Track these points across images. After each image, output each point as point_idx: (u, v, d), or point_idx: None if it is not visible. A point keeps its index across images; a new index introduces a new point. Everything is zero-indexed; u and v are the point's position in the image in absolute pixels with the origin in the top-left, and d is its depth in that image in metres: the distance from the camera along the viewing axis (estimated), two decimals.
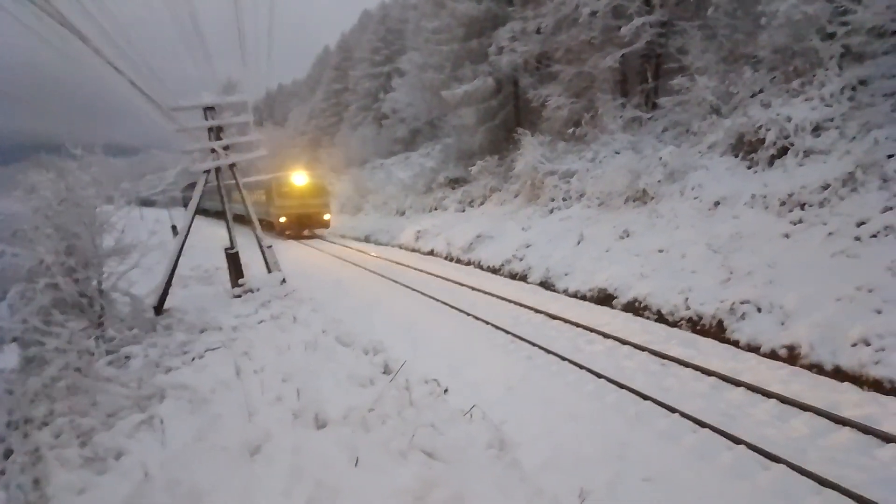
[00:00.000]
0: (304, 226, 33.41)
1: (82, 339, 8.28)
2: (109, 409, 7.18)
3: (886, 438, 6.24)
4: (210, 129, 14.84)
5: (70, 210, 10.37)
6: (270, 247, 16.22)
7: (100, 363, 8.59)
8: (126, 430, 6.58)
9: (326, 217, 33.92)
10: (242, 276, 15.41)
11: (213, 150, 14.81)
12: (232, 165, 15.45)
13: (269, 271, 15.82)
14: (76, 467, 5.71)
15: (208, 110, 14.72)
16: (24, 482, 5.43)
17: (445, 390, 7.92)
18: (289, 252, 26.25)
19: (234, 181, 15.82)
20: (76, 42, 5.37)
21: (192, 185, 21.98)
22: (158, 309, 12.99)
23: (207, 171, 15.03)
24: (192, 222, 14.71)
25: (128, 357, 9.47)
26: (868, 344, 8.07)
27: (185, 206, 23.81)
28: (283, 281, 15.32)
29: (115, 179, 12.13)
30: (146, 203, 62.69)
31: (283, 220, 32.63)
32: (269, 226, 34.15)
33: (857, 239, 9.67)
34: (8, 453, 6.12)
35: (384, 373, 8.38)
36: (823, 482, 5.50)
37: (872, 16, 10.95)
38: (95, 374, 7.79)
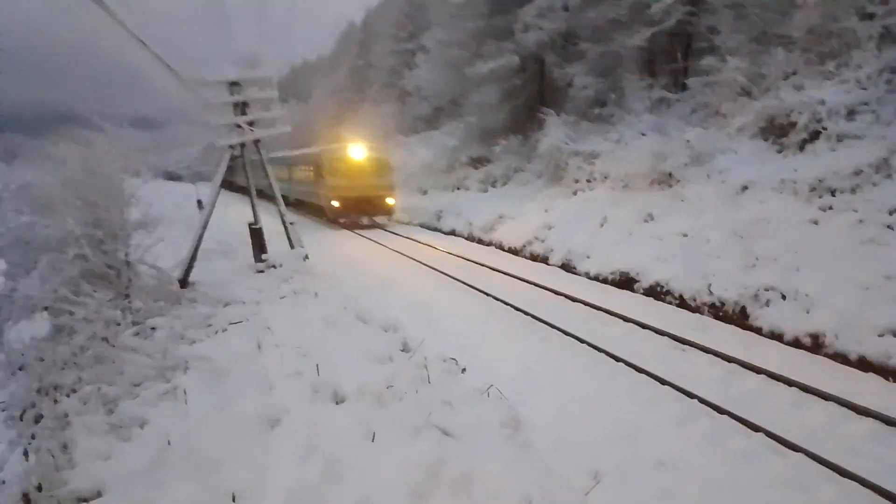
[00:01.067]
0: (363, 212, 26.18)
1: (109, 309, 8.47)
2: (134, 378, 7.37)
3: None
4: (235, 105, 14.92)
5: (98, 183, 10.55)
6: (293, 223, 16.35)
7: (126, 334, 8.80)
8: (150, 399, 6.77)
9: (390, 202, 26.47)
10: (265, 252, 15.59)
11: (238, 126, 14.89)
12: (256, 141, 15.53)
13: (292, 247, 15.98)
14: (102, 434, 5.90)
15: (233, 85, 14.78)
16: (53, 447, 5.62)
17: (463, 369, 7.98)
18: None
19: (260, 157, 15.92)
20: (101, 14, 5.42)
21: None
22: (183, 282, 13.21)
23: (233, 147, 15.14)
24: (216, 197, 14.86)
25: (153, 328, 9.67)
26: (895, 334, 7.92)
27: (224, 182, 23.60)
28: (306, 257, 15.46)
29: (141, 153, 12.30)
30: (172, 177, 63.50)
31: (335, 204, 25.59)
32: (317, 210, 28.79)
33: (889, 227, 9.44)
34: (38, 418, 6.33)
35: (402, 350, 8.46)
36: (842, 472, 5.45)
37: None
38: (122, 344, 7.99)
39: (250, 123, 15.11)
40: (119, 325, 8.45)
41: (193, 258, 13.83)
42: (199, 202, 26.55)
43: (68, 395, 6.69)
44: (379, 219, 27.21)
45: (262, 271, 14.90)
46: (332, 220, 26.91)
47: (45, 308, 8.92)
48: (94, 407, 6.45)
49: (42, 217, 9.72)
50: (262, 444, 5.18)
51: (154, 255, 11.49)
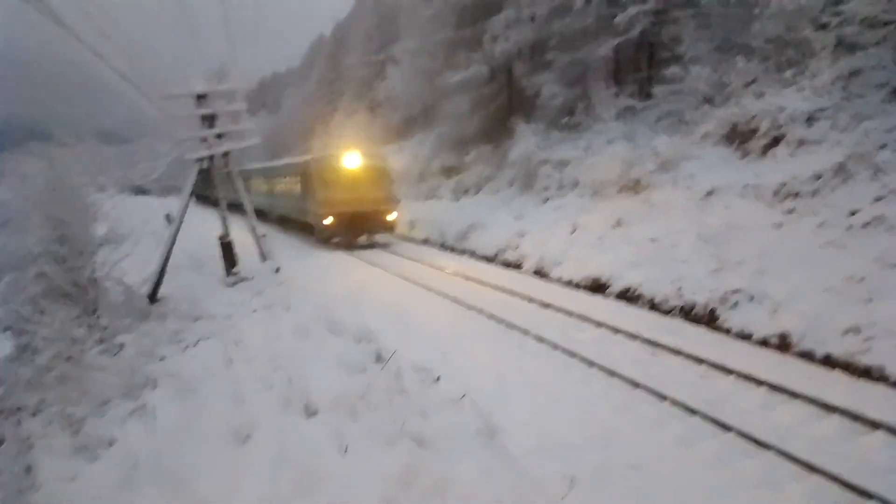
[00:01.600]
0: (360, 229, 22.09)
1: (74, 327, 8.28)
2: (101, 397, 7.20)
3: (874, 425, 6.31)
4: (203, 118, 14.75)
5: (62, 198, 10.34)
6: (265, 235, 16.19)
7: (92, 352, 8.60)
8: (117, 418, 6.62)
9: (392, 217, 22.23)
10: (236, 265, 15.39)
11: (205, 139, 14.72)
12: (225, 154, 15.37)
13: (264, 260, 15.81)
14: (67, 455, 5.74)
15: (200, 98, 14.62)
16: (16, 469, 5.46)
17: (437, 378, 7.96)
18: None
19: (228, 169, 15.74)
20: (63, 30, 5.33)
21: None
22: (152, 297, 12.97)
23: (200, 160, 14.95)
24: (185, 211, 14.65)
25: (121, 346, 9.46)
26: (858, 332, 8.15)
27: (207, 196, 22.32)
28: (278, 270, 15.31)
29: (107, 168, 12.10)
30: (140, 191, 62.39)
31: (328, 221, 21.15)
32: (306, 229, 24.37)
33: (848, 229, 9.73)
34: (0, 441, 6.15)
35: (376, 361, 8.40)
36: (811, 468, 5.57)
37: (865, 6, 10.94)
38: (87, 362, 7.81)
39: (218, 136, 14.95)
40: (84, 343, 8.26)
41: (162, 273, 13.59)
42: (168, 216, 26.08)
43: (32, 417, 6.50)
44: (379, 237, 23.51)
45: (233, 285, 14.70)
46: (324, 240, 22.56)
47: (7, 328, 8.70)
48: (59, 428, 6.28)
49: (2, 235, 9.49)
50: (234, 458, 5.10)
51: (122, 271, 11.28)
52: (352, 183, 21.37)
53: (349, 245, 22.36)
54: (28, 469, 5.53)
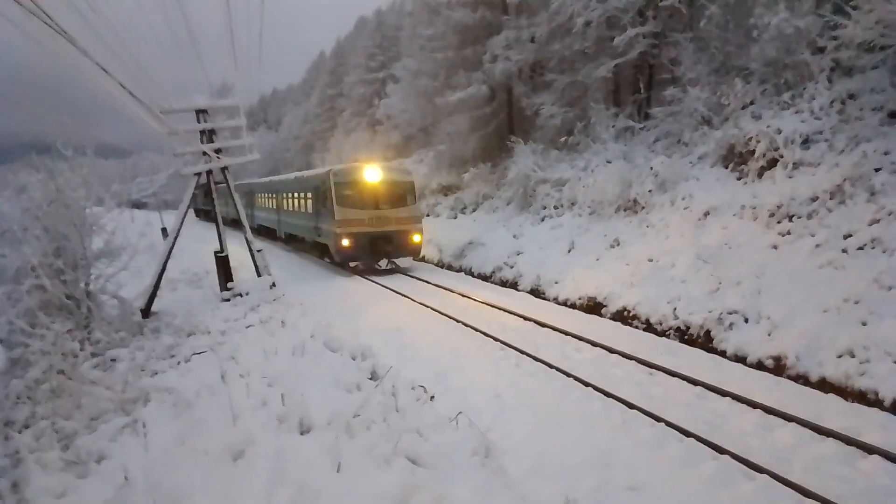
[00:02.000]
0: (382, 252, 19.80)
1: (67, 341, 8.21)
2: (93, 412, 7.13)
3: (869, 450, 6.27)
4: (202, 133, 14.81)
5: (60, 211, 10.35)
6: (261, 250, 16.17)
7: (85, 366, 8.54)
8: (109, 433, 6.54)
9: (417, 238, 20.13)
10: (232, 280, 15.35)
11: (204, 154, 14.77)
12: (224, 169, 15.41)
13: (259, 275, 15.78)
14: (56, 471, 5.66)
15: (201, 113, 14.70)
16: (3, 485, 5.38)
17: (432, 397, 7.91)
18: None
19: (227, 184, 15.77)
20: (65, 42, 5.36)
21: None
22: (146, 312, 12.92)
23: (199, 175, 14.99)
24: (181, 225, 14.65)
25: (114, 360, 9.41)
26: (853, 356, 8.13)
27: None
28: (273, 285, 15.28)
29: (105, 181, 12.12)
30: (138, 205, 62.40)
31: (345, 242, 18.93)
32: (318, 248, 22.78)
33: (844, 251, 9.74)
34: None
35: (371, 378, 8.35)
36: (806, 493, 5.52)
37: (862, 31, 11.04)
38: (80, 376, 7.74)
39: (217, 151, 15.00)
40: (77, 356, 8.19)
41: (157, 287, 13.56)
42: (164, 230, 26.03)
43: (21, 431, 6.42)
44: (401, 261, 21.35)
45: (228, 300, 14.65)
46: (340, 264, 20.69)
47: (0, 341, 8.63)
48: (49, 442, 6.20)
49: None
50: (227, 476, 5.03)
51: (117, 285, 11.25)
52: (373, 200, 19.39)
53: (369, 270, 20.40)
54: (14, 485, 5.45)
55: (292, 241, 27.28)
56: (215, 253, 15.71)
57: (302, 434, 5.92)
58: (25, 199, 10.62)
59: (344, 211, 19.02)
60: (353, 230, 18.99)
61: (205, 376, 8.13)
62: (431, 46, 28.31)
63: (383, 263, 20.75)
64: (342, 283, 18.41)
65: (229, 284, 15.17)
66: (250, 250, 15.90)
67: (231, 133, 16.40)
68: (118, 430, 6.58)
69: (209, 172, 15.14)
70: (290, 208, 25.85)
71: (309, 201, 22.35)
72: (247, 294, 14.62)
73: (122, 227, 11.56)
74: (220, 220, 15.82)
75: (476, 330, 11.88)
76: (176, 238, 14.43)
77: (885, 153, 10.49)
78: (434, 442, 6.08)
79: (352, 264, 20.40)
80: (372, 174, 19.58)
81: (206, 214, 39.57)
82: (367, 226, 19.17)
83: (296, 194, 24.67)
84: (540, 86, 23.75)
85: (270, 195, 30.18)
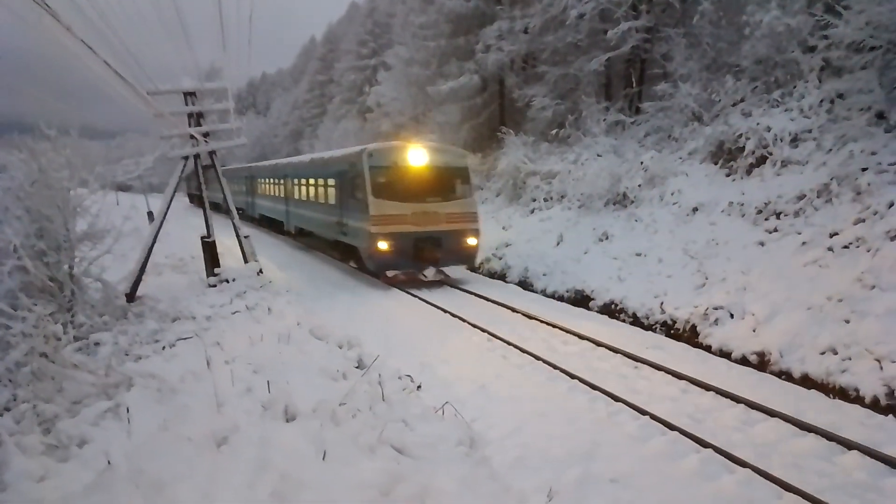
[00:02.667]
0: (428, 260, 15.52)
1: (49, 324, 8.09)
2: (75, 396, 7.03)
3: (848, 445, 6.36)
4: (190, 115, 14.62)
5: (42, 192, 10.16)
6: (248, 236, 16.04)
7: (67, 349, 8.40)
8: (91, 417, 6.46)
9: (472, 242, 16.03)
10: (218, 266, 15.22)
11: (192, 137, 14.59)
12: (212, 153, 15.24)
13: (246, 261, 15.66)
14: (37, 454, 5.58)
15: (189, 96, 14.50)
16: None
17: (419, 386, 7.91)
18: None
19: (214, 168, 15.59)
20: (50, 20, 5.24)
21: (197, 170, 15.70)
22: (131, 296, 12.78)
23: (186, 158, 14.81)
24: (168, 208, 14.48)
25: (97, 344, 9.29)
26: (835, 353, 8.23)
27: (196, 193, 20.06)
28: (260, 272, 15.17)
29: (90, 162, 11.92)
30: (123, 188, 61.65)
31: (382, 245, 14.96)
32: (339, 249, 19.06)
33: (830, 249, 9.83)
34: None
35: (357, 367, 8.33)
36: (786, 486, 5.58)
37: (852, 31, 11.11)
38: (62, 360, 7.62)
39: (205, 135, 14.82)
40: (60, 340, 8.07)
41: (142, 271, 13.40)
42: (150, 213, 25.68)
43: (1, 414, 6.33)
44: (451, 269, 16.49)
45: (214, 286, 14.53)
46: (374, 272, 16.48)
47: None
48: (30, 426, 6.11)
49: None
50: (210, 463, 4.99)
51: (101, 268, 11.11)
52: (418, 190, 15.24)
53: (411, 281, 15.98)
54: None
55: (304, 236, 23.84)
56: (202, 238, 15.56)
57: (287, 422, 5.88)
58: (6, 178, 10.42)
59: (381, 204, 14.80)
60: (393, 230, 14.76)
61: (189, 362, 8.06)
62: (424, 34, 28.13)
63: (430, 273, 15.74)
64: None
65: (216, 270, 15.03)
66: (237, 236, 15.76)
67: (219, 117, 16.20)
68: (100, 415, 6.49)
69: (196, 156, 14.96)
70: (304, 198, 21.54)
71: (331, 190, 18.02)
72: (233, 280, 14.50)
73: (107, 209, 11.39)
74: (207, 204, 15.65)
75: (463, 320, 11.86)
76: (162, 222, 14.27)
77: (872, 153, 10.59)
78: (419, 432, 6.08)
79: (389, 273, 15.86)
80: (417, 156, 15.40)
81: (200, 200, 36.12)
82: (410, 224, 14.91)
83: (312, 181, 20.38)
84: (532, 77, 23.70)
85: (277, 181, 26.29)
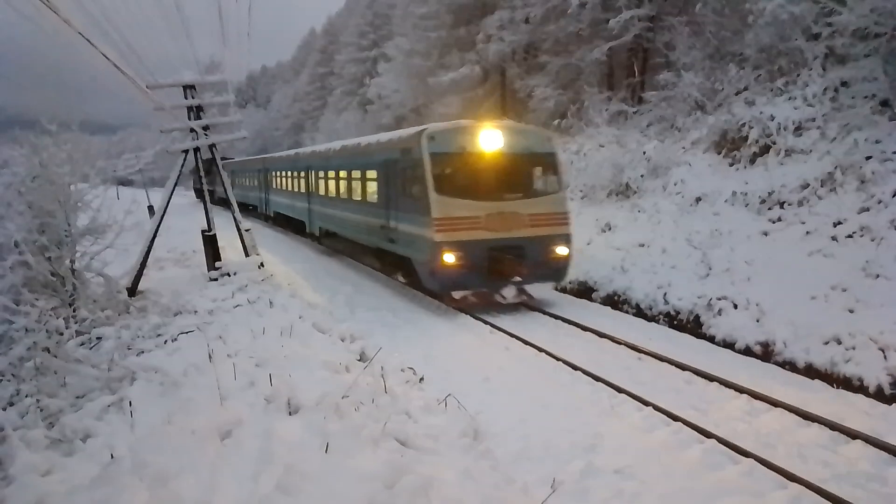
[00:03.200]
0: (508, 274, 11.75)
1: (52, 318, 8.11)
2: (78, 390, 7.06)
3: (852, 435, 6.35)
4: (190, 109, 14.59)
5: (44, 187, 10.17)
6: (249, 230, 16.03)
7: (70, 344, 8.45)
8: (95, 411, 6.48)
9: (563, 251, 12.39)
10: (220, 259, 15.22)
11: (192, 130, 14.57)
12: (212, 146, 15.22)
13: (247, 255, 15.65)
14: (42, 448, 5.60)
15: (188, 89, 14.46)
16: None
17: (421, 379, 7.91)
18: None
19: (215, 161, 15.57)
20: (49, 12, 5.21)
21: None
22: (132, 290, 12.80)
23: (186, 152, 14.79)
24: (168, 203, 14.47)
25: (99, 338, 9.31)
26: (839, 342, 8.20)
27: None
28: (261, 265, 15.16)
29: (91, 157, 11.91)
30: (123, 182, 61.65)
31: (450, 258, 11.34)
32: (382, 259, 15.39)
33: (834, 239, 9.80)
34: None
35: (359, 360, 8.33)
36: (790, 476, 5.57)
37: (856, 18, 11.02)
38: (65, 354, 7.65)
39: (205, 128, 14.80)
40: (62, 334, 8.11)
41: (143, 266, 13.42)
42: (150, 208, 25.65)
43: (5, 408, 6.35)
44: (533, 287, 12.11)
45: (215, 279, 14.53)
46: (435, 293, 12.60)
47: None
48: (34, 420, 6.13)
49: None
50: (214, 456, 5.00)
51: (103, 263, 11.13)
52: (493, 184, 11.81)
53: (486, 303, 11.94)
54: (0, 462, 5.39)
55: (330, 238, 20.10)
56: (203, 232, 15.56)
57: (290, 414, 5.88)
58: (8, 174, 10.43)
59: (447, 204, 11.36)
60: (463, 237, 11.32)
61: (192, 356, 8.06)
62: (425, 25, 28.05)
63: (509, 294, 11.81)
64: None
65: (217, 264, 15.03)
66: (238, 230, 15.75)
67: (219, 110, 16.17)
68: (104, 409, 6.52)
69: (197, 150, 14.94)
70: (333, 194, 17.94)
71: (372, 185, 14.58)
72: (235, 274, 14.49)
73: (108, 204, 11.40)
74: (207, 197, 15.63)
75: (467, 313, 11.84)
76: (163, 216, 14.26)
77: (876, 142, 10.54)
78: (422, 424, 6.08)
79: (456, 295, 11.70)
80: (492, 139, 11.82)
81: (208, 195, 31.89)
82: (484, 229, 11.48)
83: (344, 173, 16.86)
84: (533, 68, 23.61)
85: (297, 174, 22.68)
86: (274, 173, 27.18)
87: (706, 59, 16.89)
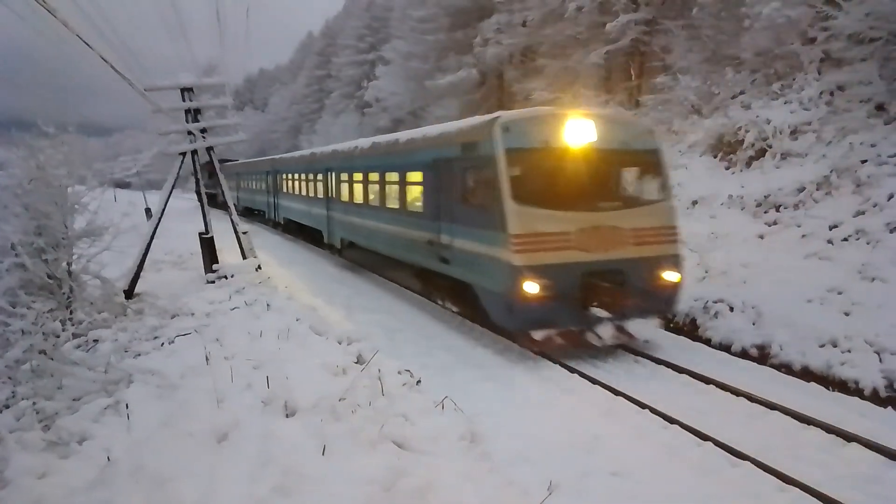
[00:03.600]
0: (605, 308, 8.76)
1: (48, 321, 8.09)
2: (75, 392, 7.03)
3: (848, 437, 6.36)
4: (188, 112, 14.59)
5: (41, 189, 10.15)
6: (246, 232, 16.01)
7: (67, 346, 8.42)
8: (91, 414, 6.46)
9: (673, 277, 9.41)
10: (217, 262, 15.20)
11: (189, 133, 14.57)
12: (210, 149, 15.21)
13: (244, 257, 15.64)
14: (38, 451, 5.58)
15: (186, 91, 14.47)
16: None
17: (418, 381, 7.90)
18: None
19: (212, 163, 15.56)
20: (46, 14, 5.21)
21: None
22: (129, 293, 12.78)
23: (183, 154, 14.79)
24: (166, 205, 14.46)
25: (96, 341, 9.30)
26: (835, 345, 8.23)
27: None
28: (259, 268, 15.15)
29: (88, 159, 11.91)
30: (121, 185, 61.60)
31: (531, 287, 8.49)
32: (437, 285, 11.96)
33: (830, 242, 9.84)
34: None
35: (357, 362, 8.32)
36: (786, 479, 5.58)
37: (852, 22, 11.09)
38: (62, 357, 7.62)
39: (203, 131, 14.80)
40: (59, 337, 8.07)
41: (140, 268, 13.41)
42: (148, 210, 25.61)
43: (1, 411, 6.34)
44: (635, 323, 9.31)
45: (213, 282, 14.51)
46: (509, 330, 9.72)
47: None
48: (30, 423, 6.11)
49: None
50: (211, 459, 4.99)
51: (100, 265, 11.11)
52: (586, 191, 9.38)
53: (571, 345, 9.18)
54: None
55: (353, 251, 17.42)
56: (200, 234, 15.55)
57: (287, 417, 5.88)
58: (5, 176, 10.41)
59: (528, 215, 8.81)
60: (550, 259, 8.76)
61: (189, 358, 8.05)
62: (422, 28, 28.14)
63: (607, 334, 9.07)
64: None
65: (214, 266, 15.01)
66: (235, 232, 15.74)
67: (217, 113, 16.16)
68: (101, 412, 6.49)
69: (194, 152, 14.94)
70: (360, 200, 15.36)
71: (414, 189, 12.01)
72: (232, 276, 14.48)
73: (105, 206, 11.38)
74: (204, 200, 15.63)
75: (464, 316, 11.85)
76: (160, 218, 14.25)
77: (872, 145, 10.60)
78: (420, 426, 6.07)
79: (536, 335, 8.95)
80: (583, 132, 9.18)
81: (210, 199, 24.97)
82: (576, 248, 8.93)
83: (376, 176, 14.21)
84: (531, 71, 23.67)
85: (313, 177, 20.21)
86: (285, 176, 24.78)
87: (703, 63, 16.97)
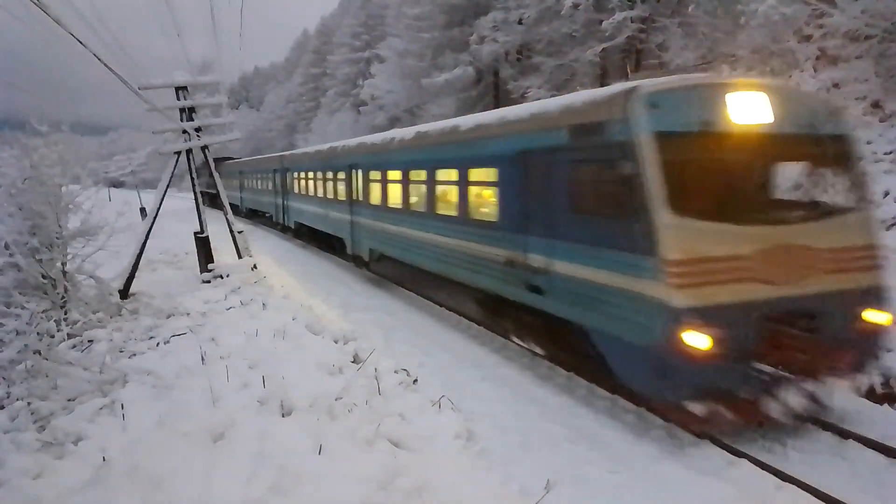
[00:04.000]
0: (798, 364, 5.86)
1: (43, 321, 8.06)
2: (70, 393, 7.01)
3: (844, 435, 6.36)
4: (182, 110, 14.53)
5: (35, 189, 10.10)
6: (242, 232, 15.97)
7: (62, 347, 8.40)
8: (86, 414, 6.44)
9: (880, 318, 6.34)
10: (212, 261, 15.16)
11: (184, 132, 14.52)
12: (204, 147, 15.16)
13: (240, 257, 15.60)
14: (33, 451, 5.56)
15: (180, 90, 14.41)
16: None
17: (415, 380, 7.89)
18: None
19: (207, 162, 15.51)
20: (38, 11, 5.17)
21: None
22: (124, 293, 12.73)
23: (178, 153, 14.74)
24: (160, 205, 14.41)
25: (91, 341, 9.27)
26: None
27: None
28: (254, 267, 15.12)
29: (82, 158, 11.85)
30: (115, 184, 61.40)
31: (700, 339, 5.60)
32: (520, 320, 8.75)
33: None
34: None
35: (353, 362, 8.31)
36: (784, 477, 5.59)
37: (848, 20, 11.10)
38: (56, 357, 7.60)
39: (198, 130, 14.75)
40: (54, 337, 8.05)
41: (135, 267, 13.36)
42: (143, 210, 25.51)
43: None
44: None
45: (208, 281, 14.47)
46: (658, 400, 6.44)
47: None
48: (25, 423, 6.09)
49: None
50: (207, 458, 4.98)
51: (94, 265, 11.06)
52: (764, 195, 7.39)
53: (744, 419, 6.13)
54: None
55: (385, 264, 14.81)
56: (195, 234, 15.50)
57: (283, 416, 5.87)
58: None
59: (690, 230, 5.93)
60: (725, 297, 5.93)
61: (185, 358, 8.03)
62: (418, 26, 28.10)
63: (798, 403, 6.00)
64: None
65: (210, 266, 14.97)
66: (231, 232, 15.70)
67: (212, 111, 16.12)
68: (96, 412, 6.48)
69: (189, 151, 14.88)
70: (398, 203, 12.59)
71: (481, 191, 9.67)
72: (227, 276, 14.44)
73: (100, 206, 11.33)
74: (199, 199, 15.58)
75: (460, 313, 11.84)
76: (155, 218, 14.20)
77: (868, 142, 10.61)
78: (416, 425, 6.06)
79: (700, 409, 5.85)
80: (757, 108, 6.40)
81: (210, 200, 25.65)
82: (755, 279, 6.04)
83: (421, 174, 11.49)
84: (527, 69, 23.67)
85: (332, 176, 17.27)
86: (296, 174, 21.54)
87: (699, 60, 16.96)
